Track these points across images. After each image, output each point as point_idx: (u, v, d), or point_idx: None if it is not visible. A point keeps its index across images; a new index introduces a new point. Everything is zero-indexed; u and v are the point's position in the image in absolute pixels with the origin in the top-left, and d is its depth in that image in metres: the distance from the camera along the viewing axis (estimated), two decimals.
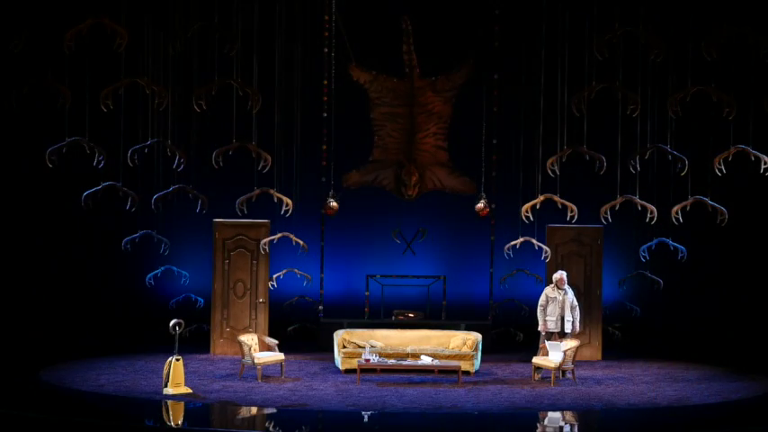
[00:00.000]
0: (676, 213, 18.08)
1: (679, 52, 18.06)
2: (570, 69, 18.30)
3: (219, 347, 18.66)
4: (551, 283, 17.14)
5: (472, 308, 20.00)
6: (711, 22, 17.95)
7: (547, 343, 16.48)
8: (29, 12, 17.96)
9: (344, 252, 20.54)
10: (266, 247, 18.63)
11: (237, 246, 18.74)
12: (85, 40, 17.75)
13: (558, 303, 16.85)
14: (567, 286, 16.97)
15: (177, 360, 15.00)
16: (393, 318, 19.41)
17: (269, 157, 18.32)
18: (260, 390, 15.43)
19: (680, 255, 18.69)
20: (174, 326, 15.27)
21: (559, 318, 16.83)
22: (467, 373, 16.79)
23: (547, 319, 16.92)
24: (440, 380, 16.34)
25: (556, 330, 16.84)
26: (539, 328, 17.02)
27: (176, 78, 18.32)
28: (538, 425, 14.16)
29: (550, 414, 14.40)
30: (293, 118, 18.92)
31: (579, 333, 17.51)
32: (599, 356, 18.61)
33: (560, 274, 17.02)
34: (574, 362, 16.28)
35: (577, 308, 16.92)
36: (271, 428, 13.86)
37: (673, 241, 18.70)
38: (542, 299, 17.02)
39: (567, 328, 16.78)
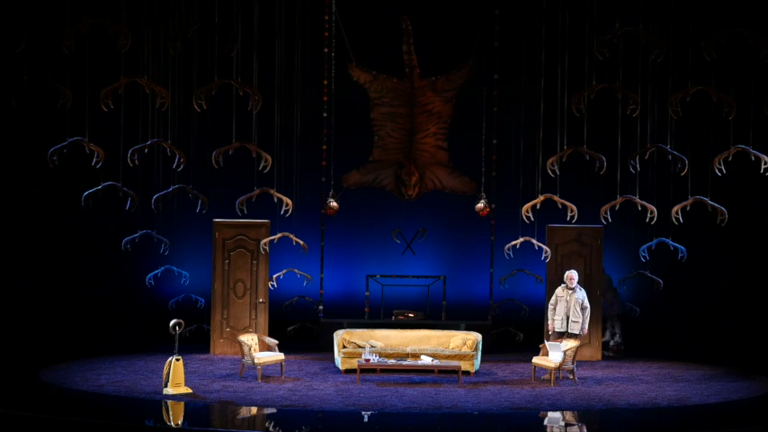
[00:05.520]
0: (676, 213, 18.08)
1: (679, 52, 18.06)
2: (570, 69, 18.30)
3: (219, 347, 18.67)
4: (563, 283, 17.12)
5: (472, 308, 20.02)
6: (711, 22, 17.95)
7: (547, 343, 16.48)
8: (29, 12, 17.96)
9: (344, 252, 20.55)
10: (266, 247, 18.63)
11: (237, 246, 18.74)
12: (85, 40, 17.75)
13: (564, 303, 16.86)
14: (577, 286, 16.95)
15: (177, 360, 15.00)
16: (393, 318, 19.43)
17: (269, 157, 18.32)
18: (260, 390, 15.43)
19: (680, 255, 18.68)
20: (174, 326, 15.28)
21: (565, 317, 16.83)
22: (467, 373, 16.79)
23: (554, 319, 16.95)
24: (440, 380, 16.35)
25: (562, 330, 16.84)
26: (548, 328, 17.10)
27: (176, 78, 18.33)
28: (538, 425, 14.15)
29: (550, 414, 14.40)
30: (293, 118, 18.93)
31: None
32: (599, 356, 18.63)
33: (567, 273, 17.03)
34: (574, 362, 16.28)
35: (588, 309, 16.88)
36: (271, 428, 13.86)
37: (673, 241, 18.69)
38: (552, 298, 17.07)
39: (573, 329, 16.75)
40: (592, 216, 18.53)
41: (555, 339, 16.74)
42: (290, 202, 18.38)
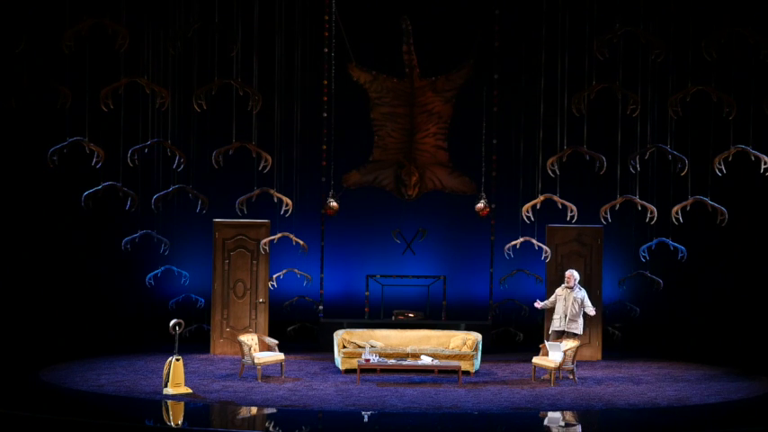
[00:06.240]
0: (676, 213, 18.08)
1: (679, 52, 18.07)
2: (570, 69, 18.30)
3: (219, 347, 18.67)
4: (563, 282, 17.12)
5: (472, 308, 20.02)
6: (711, 22, 17.95)
7: (547, 343, 16.48)
8: (29, 12, 17.96)
9: (344, 252, 20.55)
10: (266, 247, 18.63)
11: (237, 246, 18.75)
12: (85, 40, 17.74)
13: (563, 302, 16.86)
14: (577, 286, 16.93)
15: (177, 360, 15.00)
16: (393, 318, 19.43)
17: (269, 157, 18.32)
18: (260, 390, 15.43)
19: (680, 255, 18.69)
20: (174, 326, 15.28)
21: (563, 317, 16.83)
22: (467, 373, 16.79)
23: (553, 318, 16.96)
24: (440, 380, 16.35)
25: (560, 329, 16.83)
26: (537, 304, 17.12)
27: (176, 78, 18.32)
28: (538, 425, 14.15)
29: (550, 414, 14.40)
30: (293, 118, 18.93)
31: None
32: (599, 356, 18.63)
33: (566, 273, 17.01)
34: (574, 362, 16.28)
35: (589, 309, 16.82)
36: (271, 428, 13.86)
37: (673, 241, 18.70)
38: (552, 297, 17.08)
39: (572, 328, 16.72)
40: (592, 216, 18.53)
41: (554, 339, 16.75)
42: (290, 202, 18.38)
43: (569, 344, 16.32)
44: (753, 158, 17.86)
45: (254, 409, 14.47)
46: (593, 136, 18.31)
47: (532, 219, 18.35)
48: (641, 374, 17.14)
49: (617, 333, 19.88)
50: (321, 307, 19.58)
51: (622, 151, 18.42)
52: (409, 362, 16.55)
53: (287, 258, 19.49)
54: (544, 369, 16.38)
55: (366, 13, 19.96)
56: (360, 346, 17.23)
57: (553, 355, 16.16)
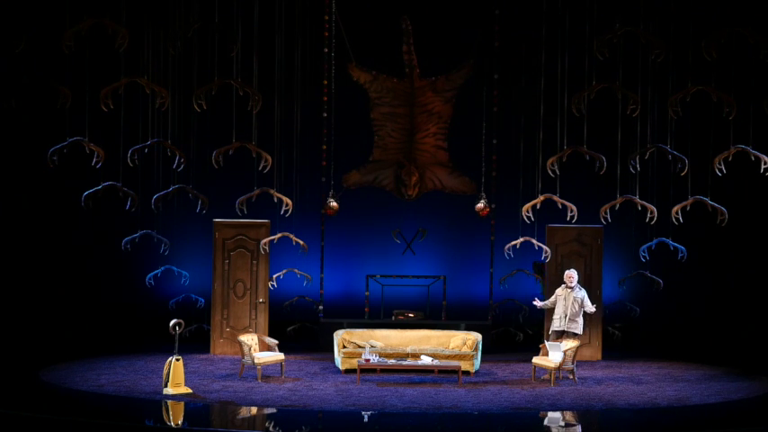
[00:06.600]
0: (676, 213, 18.07)
1: (679, 52, 18.07)
2: (570, 69, 18.30)
3: (219, 347, 18.67)
4: (563, 283, 17.11)
5: (472, 308, 20.02)
6: (711, 22, 17.95)
7: (547, 343, 16.48)
8: (29, 12, 17.96)
9: (344, 252, 20.56)
10: (266, 247, 18.63)
11: (237, 246, 18.75)
12: (85, 40, 17.74)
13: (563, 301, 16.84)
14: (577, 286, 16.91)
15: (177, 360, 15.00)
16: (393, 318, 19.43)
17: (269, 157, 18.32)
18: (260, 390, 15.43)
19: (680, 255, 18.68)
20: (174, 326, 15.28)
21: (563, 317, 16.82)
22: (467, 373, 16.79)
23: (553, 318, 16.95)
24: (440, 380, 16.35)
25: (561, 329, 16.82)
26: (536, 303, 17.10)
27: (176, 78, 18.32)
28: (538, 425, 14.15)
29: (550, 414, 14.40)
30: (293, 118, 18.93)
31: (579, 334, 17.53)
32: (599, 356, 18.62)
33: (567, 272, 17.00)
34: (574, 362, 16.28)
35: (588, 308, 16.80)
36: (271, 428, 13.86)
37: (673, 241, 18.69)
38: (552, 297, 17.06)
39: (572, 328, 16.71)
40: (592, 216, 18.52)
41: (554, 339, 16.74)
42: (290, 202, 18.37)
43: (569, 344, 16.32)
44: (753, 158, 17.85)
45: (254, 409, 14.47)
46: (593, 136, 18.30)
47: (532, 219, 18.34)
48: (641, 374, 17.14)
49: (617, 333, 19.89)
50: (321, 307, 19.58)
51: (622, 151, 18.41)
52: (409, 362, 16.55)
53: (287, 258, 19.49)
54: (544, 369, 16.39)
55: (366, 13, 19.97)
56: (360, 346, 17.23)
57: (553, 355, 16.16)
